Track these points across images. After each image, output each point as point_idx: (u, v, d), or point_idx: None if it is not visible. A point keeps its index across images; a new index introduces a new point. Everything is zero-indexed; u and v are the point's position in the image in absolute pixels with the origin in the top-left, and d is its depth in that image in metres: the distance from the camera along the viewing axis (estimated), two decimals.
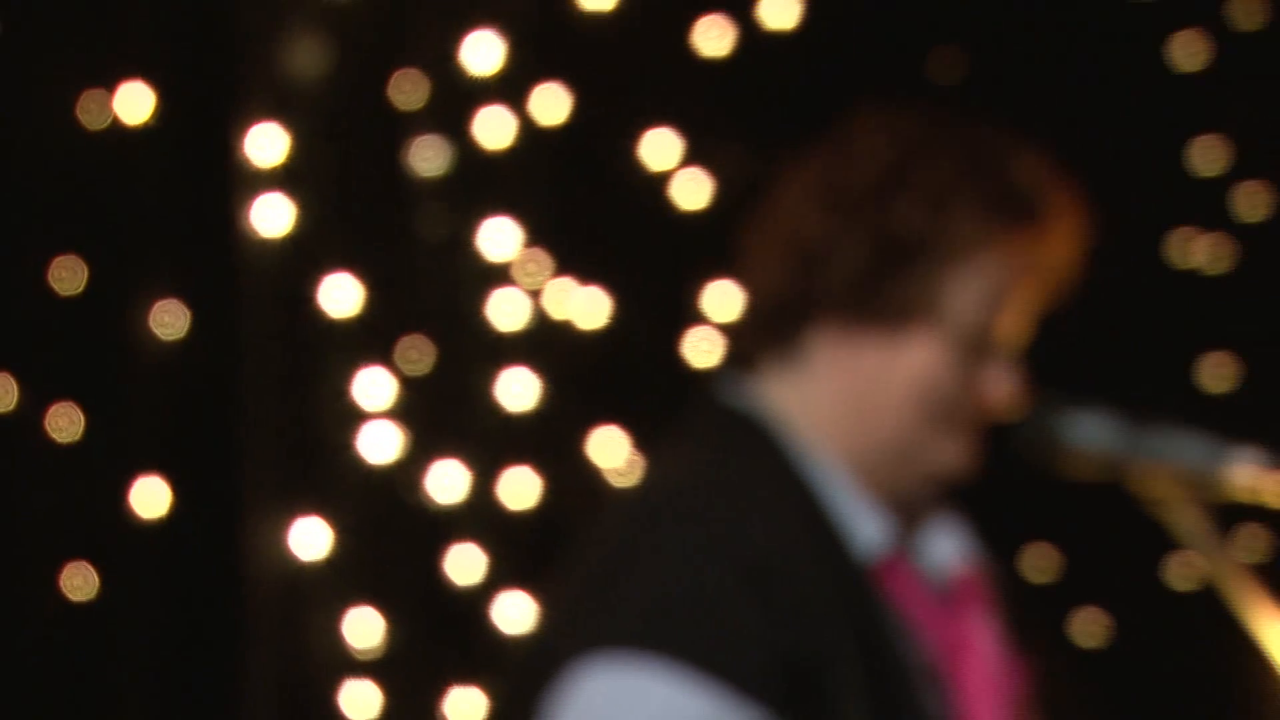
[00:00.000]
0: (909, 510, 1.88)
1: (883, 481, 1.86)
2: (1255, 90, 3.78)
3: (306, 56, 3.07)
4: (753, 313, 1.89)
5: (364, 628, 3.01)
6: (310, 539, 3.00)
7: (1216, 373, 3.80)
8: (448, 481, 3.09)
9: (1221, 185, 3.81)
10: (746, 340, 1.89)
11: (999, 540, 1.97)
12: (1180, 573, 3.43)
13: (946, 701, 1.81)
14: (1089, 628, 3.49)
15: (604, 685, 1.75)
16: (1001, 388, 1.82)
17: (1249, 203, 3.88)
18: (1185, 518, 1.79)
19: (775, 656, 1.74)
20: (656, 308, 3.27)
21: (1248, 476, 1.77)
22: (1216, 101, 3.79)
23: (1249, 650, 1.80)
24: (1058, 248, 1.84)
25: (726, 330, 3.35)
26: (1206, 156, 3.82)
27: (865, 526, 1.83)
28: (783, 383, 1.86)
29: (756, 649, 1.74)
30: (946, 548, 1.89)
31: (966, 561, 1.89)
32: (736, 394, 1.88)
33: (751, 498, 1.81)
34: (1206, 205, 3.78)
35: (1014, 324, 1.84)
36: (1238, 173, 3.80)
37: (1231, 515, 1.82)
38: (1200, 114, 3.79)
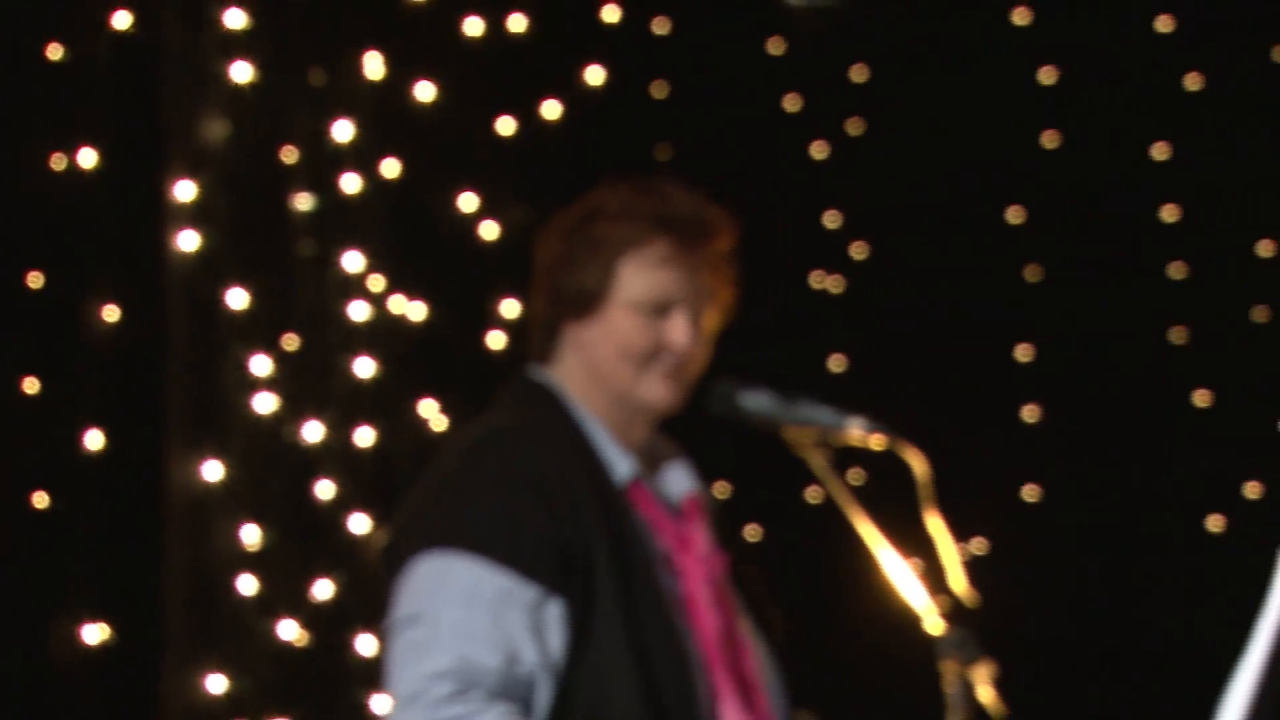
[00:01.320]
0: (648, 454, 1.92)
1: (621, 424, 1.88)
2: (861, 176, 3.99)
3: (215, 128, 3.01)
4: (534, 331, 1.92)
5: (252, 534, 2.95)
6: (213, 470, 2.93)
7: (838, 364, 3.95)
8: (314, 431, 3.04)
9: (842, 239, 3.96)
10: (532, 347, 1.92)
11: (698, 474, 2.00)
12: (813, 495, 3.56)
13: (675, 582, 1.83)
14: (751, 533, 3.61)
15: (427, 567, 1.76)
16: (678, 334, 1.85)
17: (858, 251, 4.06)
18: (817, 460, 1.83)
19: (553, 548, 1.76)
20: (464, 312, 3.25)
21: (857, 434, 1.81)
22: (831, 183, 3.97)
23: (859, 548, 1.82)
24: (705, 245, 1.86)
25: (511, 328, 3.37)
26: (833, 220, 3.96)
27: (620, 463, 1.85)
28: (557, 368, 1.90)
29: (539, 543, 1.75)
30: (678, 481, 1.92)
31: (690, 490, 1.92)
32: (538, 374, 1.91)
33: (540, 440, 1.82)
34: (833, 252, 3.90)
35: (681, 293, 1.85)
36: (851, 232, 3.95)
37: (845, 458, 1.86)
38: (829, 193, 3.92)
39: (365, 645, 3.04)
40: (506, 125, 3.38)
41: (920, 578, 1.77)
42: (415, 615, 1.75)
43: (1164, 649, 4.02)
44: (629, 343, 1.85)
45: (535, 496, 1.77)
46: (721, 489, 3.44)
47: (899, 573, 1.78)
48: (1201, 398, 4.14)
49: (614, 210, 1.87)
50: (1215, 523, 4.13)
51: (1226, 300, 4.12)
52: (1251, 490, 4.12)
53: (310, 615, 2.99)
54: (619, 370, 1.86)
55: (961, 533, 1.86)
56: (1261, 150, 4.12)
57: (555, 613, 1.75)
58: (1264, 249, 4.13)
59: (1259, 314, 4.13)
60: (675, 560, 1.85)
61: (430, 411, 3.20)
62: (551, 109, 3.45)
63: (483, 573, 1.74)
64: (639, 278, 1.85)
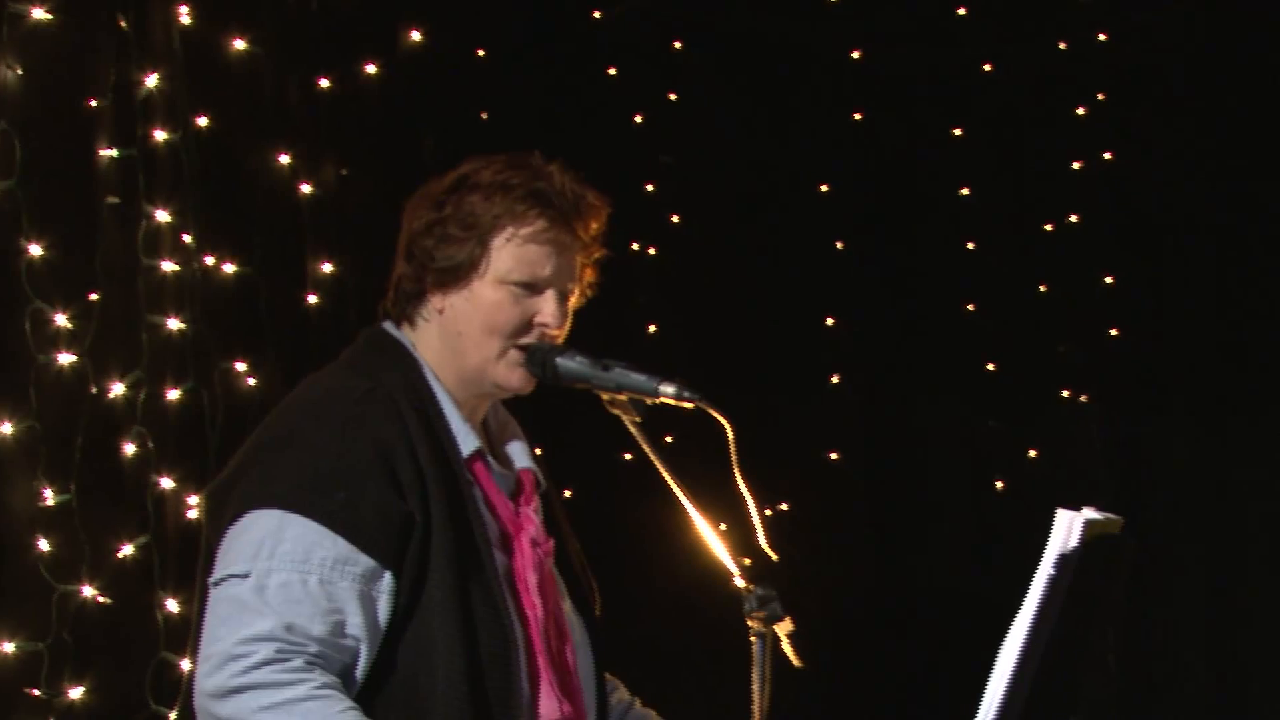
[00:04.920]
0: (488, 430, 1.90)
1: (468, 398, 1.85)
2: (679, 151, 4.02)
3: (10, 72, 2.84)
4: (394, 293, 1.87)
5: (55, 492, 2.76)
6: (10, 426, 2.71)
7: (653, 333, 4.00)
8: (120, 387, 2.86)
9: (663, 209, 3.97)
10: (393, 308, 1.87)
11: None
12: (625, 456, 3.51)
13: (507, 562, 1.82)
14: (565, 493, 3.70)
15: (263, 524, 1.69)
16: (547, 313, 1.84)
17: (680, 219, 4.10)
18: (632, 421, 1.85)
19: (393, 521, 1.71)
20: (276, 270, 3.12)
21: (670, 397, 1.83)
22: (651, 152, 3.99)
23: (671, 507, 1.85)
24: (578, 224, 1.85)
25: (324, 288, 3.28)
26: (657, 190, 4.01)
27: (465, 438, 1.82)
28: (416, 332, 1.86)
29: (379, 516, 1.71)
30: (516, 458, 1.91)
31: (526, 468, 1.91)
32: (394, 332, 1.86)
33: (388, 404, 1.77)
34: (654, 224, 3.92)
35: (552, 272, 1.83)
36: (671, 203, 3.98)
37: (659, 419, 1.87)
38: (650, 165, 3.93)
39: (171, 607, 2.94)
40: (323, 83, 3.27)
41: (727, 537, 1.79)
42: (245, 573, 1.69)
43: (951, 599, 4.20)
44: (496, 318, 1.82)
45: (379, 465, 1.72)
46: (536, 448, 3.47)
47: (708, 531, 1.79)
48: (990, 366, 4.33)
49: (489, 183, 1.83)
50: (1000, 484, 4.34)
51: (1013, 275, 4.32)
52: (1032, 454, 4.35)
53: (112, 577, 2.84)
54: (482, 344, 1.83)
55: (769, 494, 1.90)
56: (1049, 135, 4.32)
57: (387, 585, 1.72)
58: (1049, 227, 4.34)
59: (1042, 288, 4.34)
60: (508, 541, 1.83)
61: (240, 370, 3.07)
62: (370, 68, 3.35)
63: (319, 538, 1.69)
64: (512, 253, 1.82)
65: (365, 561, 1.71)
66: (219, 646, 1.67)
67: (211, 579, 1.74)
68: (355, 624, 1.70)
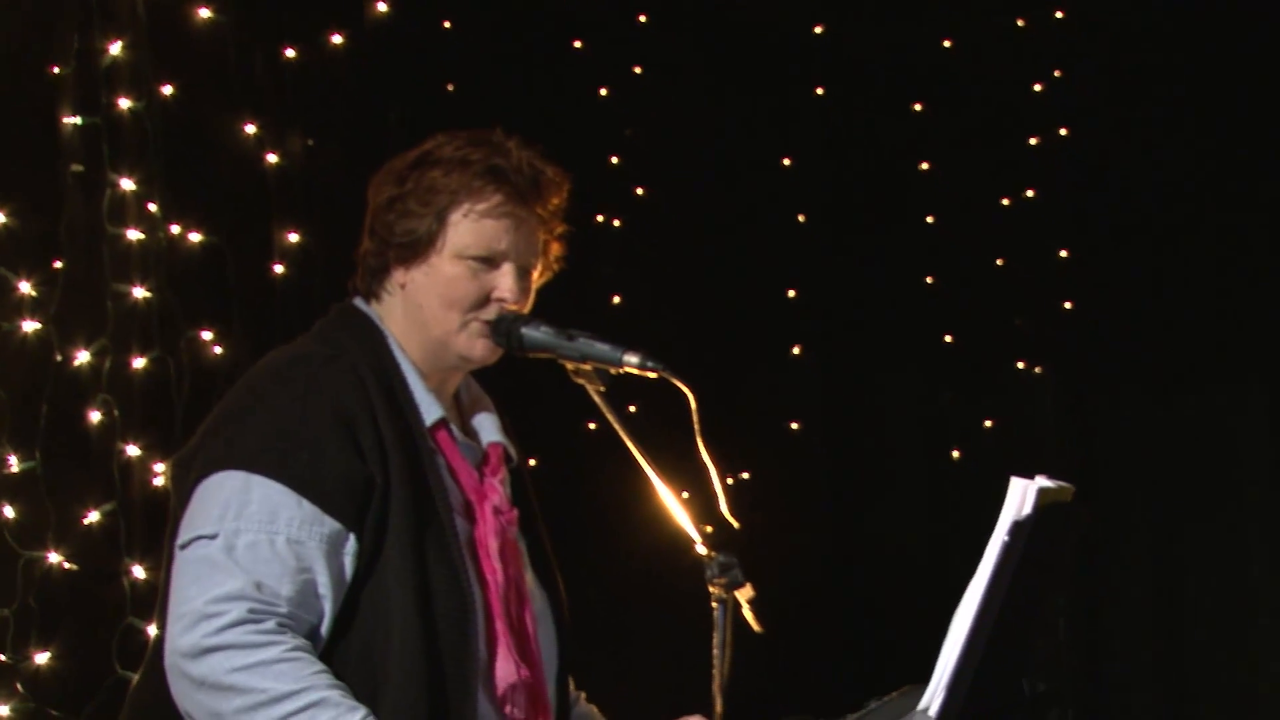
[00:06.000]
0: (458, 402, 1.91)
1: (435, 371, 1.86)
2: (643, 124, 3.99)
3: None
4: (360, 268, 1.88)
5: (20, 459, 2.72)
6: None
7: (618, 304, 3.96)
8: (85, 355, 2.83)
9: (628, 182, 4.04)
10: (360, 283, 1.88)
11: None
12: (589, 425, 3.48)
13: (468, 528, 1.82)
14: (531, 462, 3.68)
15: (229, 486, 1.69)
16: (504, 288, 1.84)
17: (644, 192, 4.08)
18: (596, 390, 1.85)
19: (355, 484, 1.72)
20: (241, 240, 3.09)
21: (634, 366, 1.84)
22: (622, 128, 3.98)
23: (634, 475, 1.86)
24: (537, 200, 1.85)
25: (289, 257, 3.26)
26: (622, 163, 3.97)
27: (428, 406, 1.82)
28: (382, 306, 1.87)
29: (342, 478, 1.72)
30: (484, 431, 1.91)
31: (494, 442, 1.91)
32: (361, 306, 1.87)
33: (351, 371, 1.78)
34: (619, 196, 3.89)
35: (509, 246, 1.84)
36: (636, 176, 3.92)
37: (623, 388, 1.88)
38: (616, 138, 3.92)
39: (138, 573, 2.93)
40: (289, 53, 3.23)
41: (689, 505, 1.80)
42: (213, 534, 1.69)
43: (908, 566, 4.24)
44: (454, 292, 1.83)
45: (341, 429, 1.73)
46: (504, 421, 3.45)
47: (670, 499, 1.80)
48: (947, 338, 4.37)
49: (448, 159, 1.83)
50: (956, 453, 4.38)
51: (971, 249, 4.35)
52: (988, 424, 4.39)
53: (78, 543, 2.80)
54: (442, 318, 1.83)
55: (731, 463, 1.91)
56: (1007, 111, 4.34)
57: (351, 547, 1.72)
58: (1006, 202, 4.37)
59: (999, 262, 4.38)
60: (470, 508, 1.83)
61: (206, 339, 3.04)
62: (336, 38, 3.31)
63: (285, 499, 1.69)
64: (469, 229, 1.82)
65: (331, 524, 1.72)
66: (191, 606, 1.67)
67: (179, 541, 1.73)
68: (323, 583, 1.71)
